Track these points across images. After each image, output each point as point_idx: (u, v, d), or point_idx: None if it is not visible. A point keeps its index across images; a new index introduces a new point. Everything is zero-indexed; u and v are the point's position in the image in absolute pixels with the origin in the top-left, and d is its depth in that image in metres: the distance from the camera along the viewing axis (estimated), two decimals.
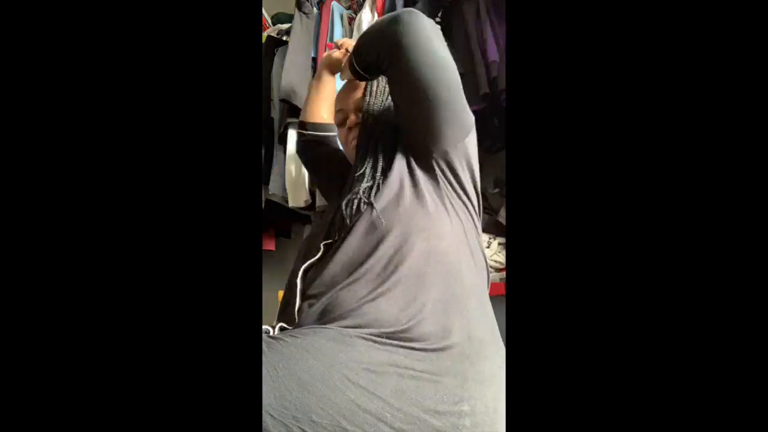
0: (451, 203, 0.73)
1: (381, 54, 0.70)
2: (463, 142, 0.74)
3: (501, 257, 1.29)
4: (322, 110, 0.99)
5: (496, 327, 0.71)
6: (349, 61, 0.79)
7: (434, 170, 0.72)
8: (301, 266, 0.75)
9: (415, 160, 0.73)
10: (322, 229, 0.81)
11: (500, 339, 0.70)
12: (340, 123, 0.90)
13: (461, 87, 0.71)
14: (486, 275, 0.76)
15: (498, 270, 1.28)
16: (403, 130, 0.76)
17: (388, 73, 0.71)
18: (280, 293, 1.77)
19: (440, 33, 0.71)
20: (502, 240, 1.31)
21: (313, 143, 1.00)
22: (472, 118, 0.75)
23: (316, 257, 0.74)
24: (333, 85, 1.00)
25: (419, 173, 0.72)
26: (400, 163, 0.74)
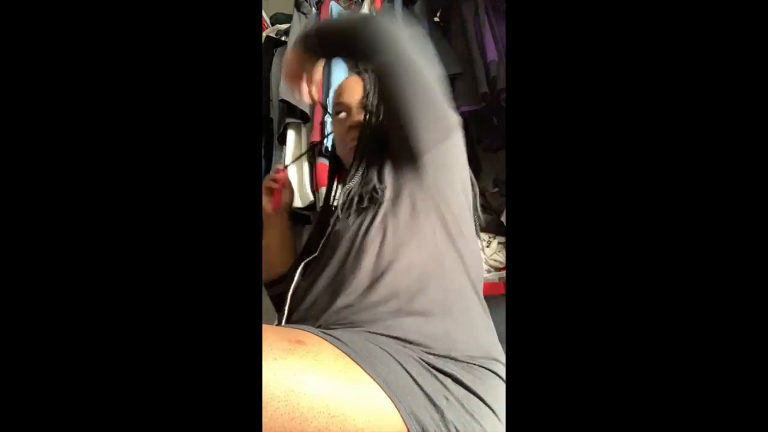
0: (438, 208, 0.72)
1: (351, 53, 0.70)
2: (447, 143, 0.73)
3: (501, 257, 1.29)
4: (289, 255, 0.95)
5: (491, 324, 0.72)
6: (306, 39, 0.77)
7: (421, 172, 0.72)
8: (299, 263, 0.77)
9: (403, 163, 0.73)
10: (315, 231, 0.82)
11: (498, 341, 0.71)
12: (339, 118, 0.89)
13: (439, 88, 0.71)
14: (480, 274, 0.76)
15: (498, 270, 1.28)
16: (391, 133, 0.75)
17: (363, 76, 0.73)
18: None
19: (411, 34, 0.70)
20: (502, 239, 1.31)
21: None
22: (454, 118, 0.74)
23: (314, 255, 0.75)
24: (289, 225, 0.96)
25: (407, 178, 0.72)
26: (389, 169, 0.74)
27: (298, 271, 0.77)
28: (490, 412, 0.59)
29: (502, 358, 0.66)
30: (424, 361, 0.59)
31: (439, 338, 0.63)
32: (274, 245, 0.94)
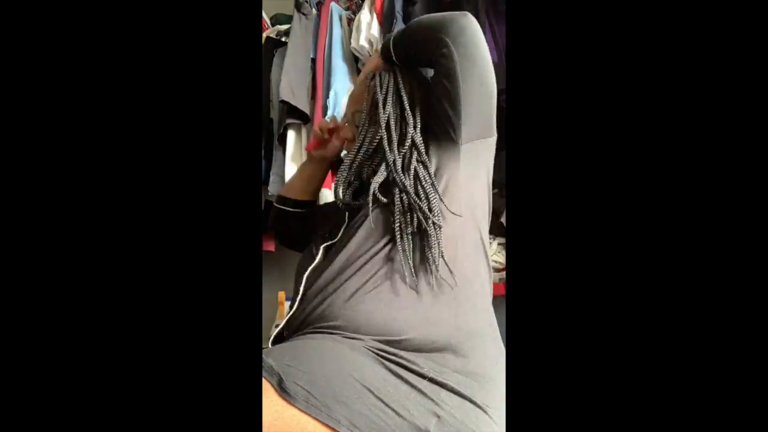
0: (467, 198, 0.74)
1: (437, 39, 0.71)
2: (485, 141, 0.76)
3: (501, 257, 1.29)
4: (307, 190, 1.00)
5: (494, 319, 0.73)
6: (385, 48, 0.80)
7: (458, 160, 0.73)
8: (304, 272, 0.78)
9: (438, 151, 0.73)
10: (321, 233, 0.83)
11: (498, 335, 0.73)
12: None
13: (496, 100, 0.74)
14: (489, 270, 0.77)
15: (498, 270, 1.28)
16: (437, 119, 0.75)
17: (439, 54, 0.71)
18: (281, 294, 1.76)
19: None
20: (502, 240, 1.31)
21: (291, 218, 1.00)
22: (495, 128, 0.77)
23: (317, 260, 0.76)
24: (324, 170, 1.00)
25: (445, 161, 0.73)
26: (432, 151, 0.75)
27: (320, 251, 0.78)
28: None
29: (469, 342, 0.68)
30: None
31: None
32: (303, 175, 1.00)
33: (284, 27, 1.91)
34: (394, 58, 0.80)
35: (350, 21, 1.77)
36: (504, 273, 1.27)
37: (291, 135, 1.67)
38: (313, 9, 1.82)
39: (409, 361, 0.62)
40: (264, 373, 0.57)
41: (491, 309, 0.75)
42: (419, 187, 0.69)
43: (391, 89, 0.76)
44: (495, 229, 1.34)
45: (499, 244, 1.31)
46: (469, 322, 0.68)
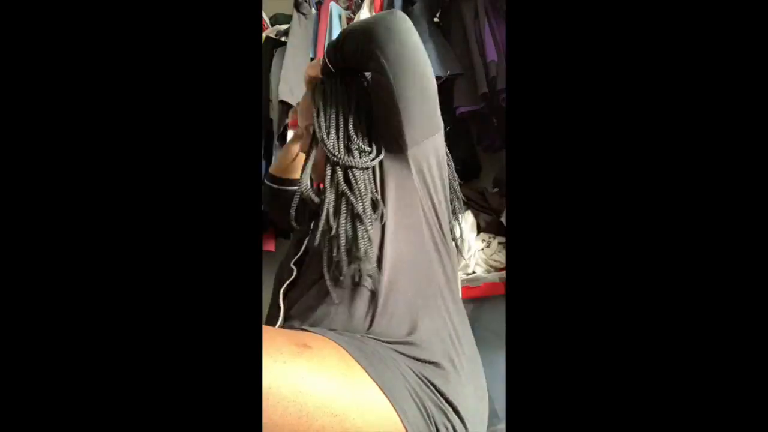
0: (421, 204, 0.74)
1: (364, 50, 0.70)
2: (432, 138, 0.75)
3: (501, 257, 1.29)
4: (290, 168, 1.03)
5: (467, 320, 0.73)
6: (324, 58, 0.80)
7: (408, 166, 0.72)
8: (279, 288, 0.79)
9: (388, 160, 0.73)
10: (292, 250, 0.85)
11: (471, 337, 0.74)
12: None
13: (437, 93, 0.73)
14: (456, 273, 0.78)
15: (498, 270, 1.28)
16: (381, 128, 0.75)
17: (371, 67, 0.71)
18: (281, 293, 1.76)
19: (418, 36, 0.72)
20: (502, 240, 1.31)
21: (280, 196, 1.03)
22: (441, 121, 0.77)
23: (291, 278, 0.78)
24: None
25: (392, 170, 0.73)
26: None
27: (293, 268, 0.79)
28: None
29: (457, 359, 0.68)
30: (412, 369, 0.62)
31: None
32: (287, 153, 1.03)
33: (284, 27, 1.91)
34: (331, 69, 0.79)
35: (349, 21, 1.77)
36: (504, 273, 1.27)
37: (291, 135, 1.67)
38: (313, 9, 1.82)
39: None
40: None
41: (462, 308, 0.76)
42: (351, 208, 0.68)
43: (330, 99, 0.75)
44: (495, 229, 1.34)
45: (499, 243, 1.31)
46: (453, 329, 0.69)
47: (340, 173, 0.70)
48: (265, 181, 1.05)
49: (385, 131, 0.72)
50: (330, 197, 0.69)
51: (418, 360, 0.63)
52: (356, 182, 0.69)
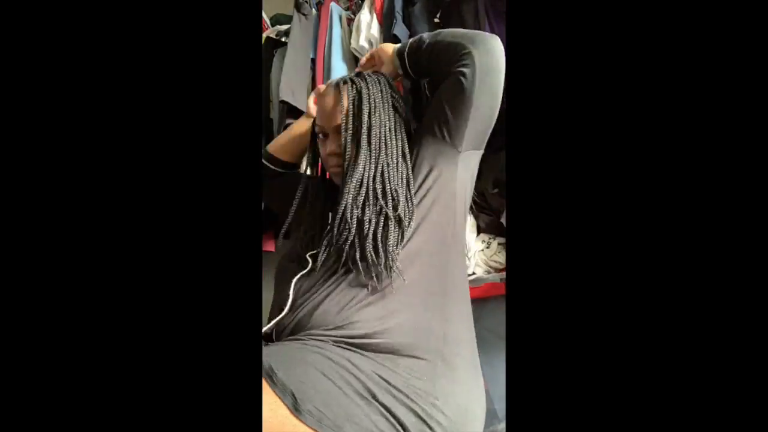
0: (455, 205, 0.76)
1: (459, 46, 0.72)
2: (478, 153, 0.79)
3: (501, 257, 1.28)
4: (295, 149, 1.02)
5: (472, 325, 0.73)
6: (400, 58, 0.82)
7: (455, 169, 0.75)
8: (283, 278, 0.79)
9: (434, 155, 0.75)
10: (306, 240, 0.84)
11: (474, 338, 0.75)
12: (320, 140, 0.89)
13: (495, 121, 0.76)
14: (465, 273, 0.80)
15: (498, 270, 1.28)
16: (434, 127, 0.76)
17: (456, 67, 0.72)
18: None
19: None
20: (502, 240, 1.31)
21: (277, 179, 1.02)
22: (485, 145, 0.80)
23: (306, 270, 0.77)
24: (305, 138, 0.99)
25: (440, 170, 0.74)
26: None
27: (309, 260, 0.78)
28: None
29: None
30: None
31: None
32: (290, 136, 1.02)
33: (284, 27, 1.91)
34: (407, 66, 0.81)
35: (350, 21, 1.77)
36: (504, 273, 1.27)
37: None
38: (313, 9, 1.81)
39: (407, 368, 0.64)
40: (275, 390, 0.57)
41: (470, 311, 0.77)
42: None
43: (378, 99, 0.77)
44: (495, 229, 1.34)
45: (499, 244, 1.31)
46: (453, 330, 0.70)
47: (374, 171, 0.72)
48: (263, 161, 1.02)
49: (442, 128, 0.74)
50: (361, 193, 0.71)
51: (384, 353, 0.64)
52: (390, 181, 0.72)
